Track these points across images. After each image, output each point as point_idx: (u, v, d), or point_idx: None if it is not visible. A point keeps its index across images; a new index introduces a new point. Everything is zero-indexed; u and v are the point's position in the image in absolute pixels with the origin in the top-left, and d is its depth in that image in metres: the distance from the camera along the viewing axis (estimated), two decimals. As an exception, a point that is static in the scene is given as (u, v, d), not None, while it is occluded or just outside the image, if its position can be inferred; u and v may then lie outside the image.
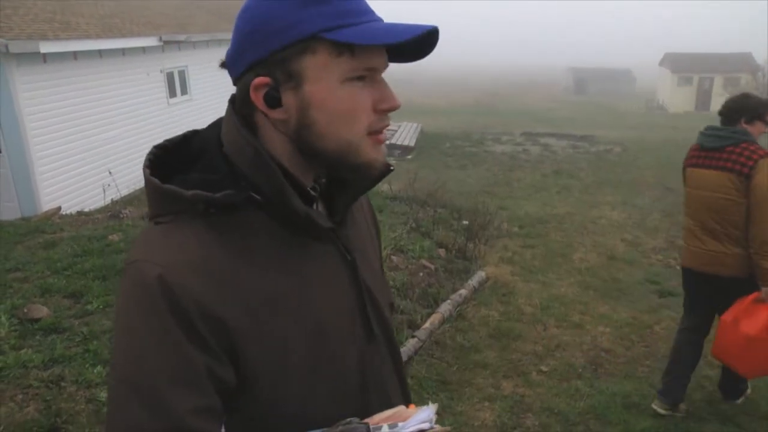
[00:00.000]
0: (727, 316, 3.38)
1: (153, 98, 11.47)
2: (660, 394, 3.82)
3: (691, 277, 3.69)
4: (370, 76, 0.90)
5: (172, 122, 11.87)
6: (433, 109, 33.39)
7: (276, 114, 0.90)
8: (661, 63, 40.40)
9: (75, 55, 9.19)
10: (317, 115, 0.88)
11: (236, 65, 0.93)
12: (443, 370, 4.31)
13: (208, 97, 13.48)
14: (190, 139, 0.98)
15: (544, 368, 4.44)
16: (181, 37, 11.92)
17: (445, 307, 5.21)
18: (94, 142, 9.70)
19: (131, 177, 10.26)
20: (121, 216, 7.51)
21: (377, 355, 1.06)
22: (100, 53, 9.82)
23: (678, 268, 6.72)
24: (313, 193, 0.97)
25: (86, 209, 8.88)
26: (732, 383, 3.91)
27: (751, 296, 3.28)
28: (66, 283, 4.83)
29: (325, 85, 0.87)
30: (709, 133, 3.47)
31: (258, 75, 0.88)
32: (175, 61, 12.20)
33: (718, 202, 3.34)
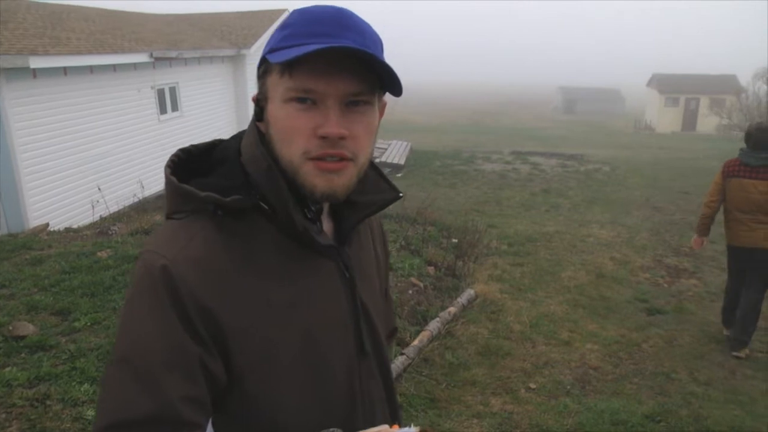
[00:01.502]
0: None
1: (143, 114, 11.47)
2: (731, 347, 5.11)
3: (742, 253, 5.03)
4: (319, 100, 0.90)
5: (163, 139, 11.87)
6: (423, 128, 33.57)
7: (262, 127, 0.98)
8: (649, 83, 40.88)
9: (65, 70, 9.20)
10: (272, 132, 0.95)
11: None
12: (432, 387, 4.30)
13: (198, 113, 13.52)
14: (214, 147, 1.04)
15: (532, 385, 4.44)
16: (173, 54, 11.97)
17: (434, 325, 5.21)
18: (83, 158, 9.68)
19: (121, 193, 10.23)
20: (110, 233, 7.47)
21: (367, 372, 1.09)
22: (91, 69, 9.83)
23: (665, 285, 6.86)
24: (308, 214, 1.00)
25: (74, 225, 8.82)
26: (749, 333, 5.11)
27: None
28: (53, 300, 4.79)
29: (275, 104, 0.93)
30: (754, 155, 4.75)
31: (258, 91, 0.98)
32: (166, 77, 12.23)
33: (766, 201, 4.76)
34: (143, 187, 10.80)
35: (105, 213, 9.57)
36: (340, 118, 0.90)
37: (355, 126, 0.92)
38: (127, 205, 10.28)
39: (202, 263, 0.89)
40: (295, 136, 0.91)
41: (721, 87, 35.37)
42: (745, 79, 31.40)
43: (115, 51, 10.43)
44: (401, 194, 1.10)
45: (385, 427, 0.97)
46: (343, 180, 0.93)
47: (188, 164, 1.01)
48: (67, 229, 8.28)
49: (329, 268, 1.02)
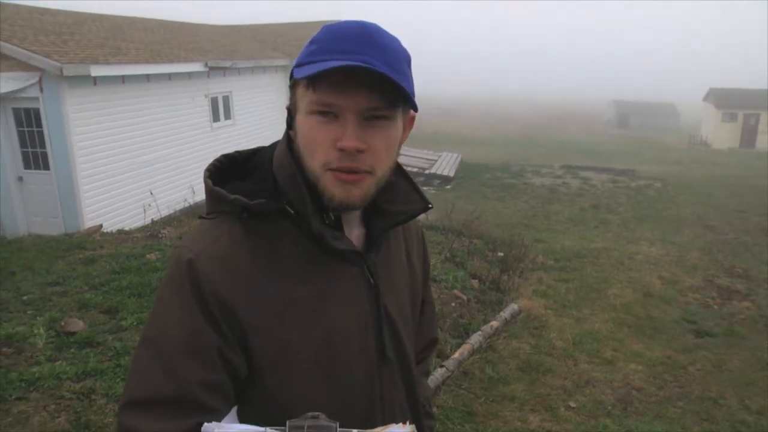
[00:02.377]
0: None
1: (197, 122, 11.78)
2: None
3: None
4: (340, 114, 0.93)
5: (215, 146, 12.15)
6: (474, 140, 33.43)
7: (292, 134, 1.02)
8: (705, 98, 39.71)
9: (123, 78, 9.53)
10: (298, 141, 0.99)
11: None
12: (470, 401, 4.27)
13: (250, 121, 13.79)
14: (256, 153, 1.11)
15: (572, 404, 4.35)
16: (227, 63, 12.28)
17: (475, 338, 5.17)
18: (137, 163, 9.99)
19: (172, 198, 10.50)
20: (160, 236, 7.68)
21: (389, 379, 1.09)
22: (148, 77, 10.16)
23: (716, 307, 6.66)
24: (326, 220, 1.02)
25: (127, 228, 9.11)
26: None
27: None
28: (103, 298, 4.97)
29: (301, 115, 0.98)
30: None
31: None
32: (219, 86, 12.53)
33: None
34: (194, 192, 11.07)
35: (156, 216, 9.84)
36: (358, 132, 0.93)
37: (374, 140, 0.95)
38: (177, 209, 10.54)
39: (225, 261, 0.95)
40: (316, 147, 0.95)
41: (783, 102, 34.10)
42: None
43: (170, 60, 10.77)
44: (431, 205, 1.13)
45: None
46: (360, 191, 0.97)
47: (232, 169, 1.07)
48: (120, 231, 8.56)
49: (353, 273, 1.04)
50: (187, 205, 10.78)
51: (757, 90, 37.60)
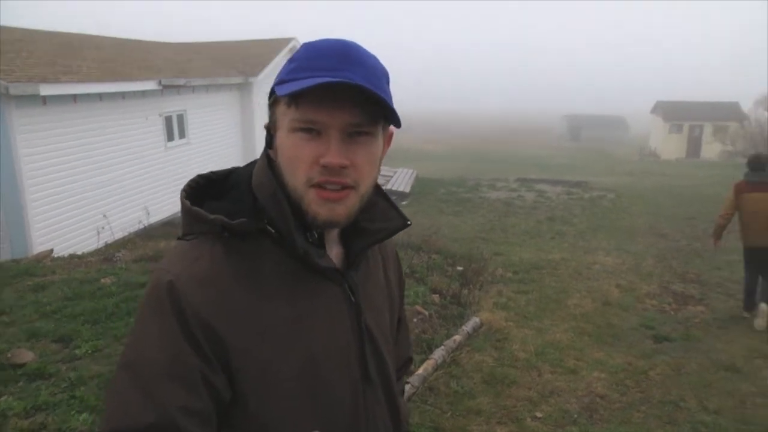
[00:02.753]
0: None
1: (151, 142, 11.56)
2: (746, 309, 6.60)
3: (756, 252, 6.35)
4: (323, 131, 0.94)
5: (169, 166, 11.96)
6: (428, 156, 33.70)
7: (272, 154, 1.02)
8: (653, 111, 40.98)
9: (75, 98, 9.30)
10: (279, 159, 0.99)
11: None
12: (437, 416, 4.23)
13: (205, 140, 13.62)
14: (232, 173, 1.10)
15: (538, 414, 4.36)
16: (180, 81, 12.11)
17: (438, 353, 5.15)
18: (90, 185, 9.73)
19: (126, 220, 10.27)
20: (115, 259, 7.47)
21: (373, 398, 1.09)
22: (100, 96, 9.94)
23: (672, 312, 6.82)
24: (309, 238, 1.02)
25: (79, 252, 8.84)
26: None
27: None
28: (55, 326, 4.76)
29: (282, 133, 0.98)
30: (755, 174, 6.30)
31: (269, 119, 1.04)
32: (173, 104, 12.35)
33: None
34: (149, 213, 10.85)
35: (110, 239, 9.59)
36: (341, 148, 0.94)
37: (357, 156, 0.96)
38: (132, 231, 10.31)
39: (206, 282, 0.93)
40: (299, 164, 0.96)
41: (724, 114, 35.39)
42: (747, 105, 31.56)
43: (124, 78, 10.56)
44: (409, 222, 1.14)
45: None
46: (344, 208, 0.98)
47: (207, 189, 1.06)
48: (72, 256, 8.29)
49: (334, 291, 1.05)
50: (141, 227, 10.55)
51: (700, 102, 39.04)
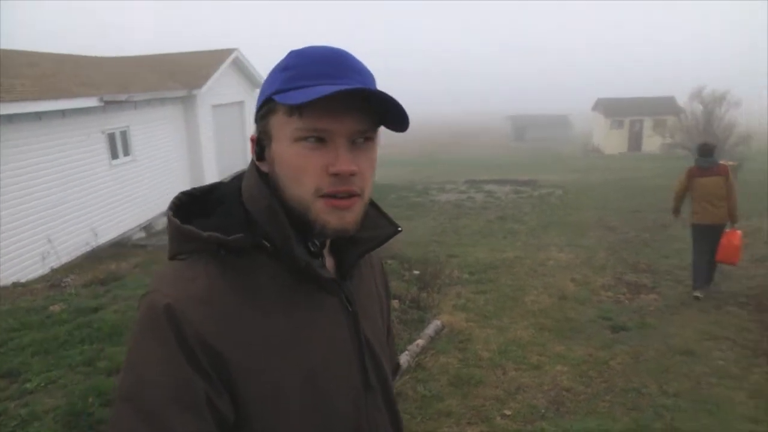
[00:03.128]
0: (724, 240, 6.85)
1: (94, 160, 11.18)
2: (695, 288, 7.12)
3: (703, 228, 7.01)
4: (328, 139, 0.93)
5: (116, 184, 11.61)
6: (379, 161, 33.68)
7: (263, 166, 1.00)
8: (594, 108, 42.12)
9: (11, 118, 8.93)
10: (279, 171, 0.97)
11: None
12: (407, 421, 4.22)
13: (152, 156, 13.28)
14: (215, 189, 1.07)
15: (507, 412, 4.40)
16: (122, 97, 11.75)
17: (403, 359, 5.14)
18: (31, 209, 9.34)
19: (72, 243, 9.92)
20: (63, 285, 7.21)
21: (374, 407, 1.09)
22: (39, 115, 9.55)
23: (627, 302, 6.99)
24: (311, 248, 1.01)
25: (23, 280, 8.50)
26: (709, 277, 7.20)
27: (728, 231, 6.88)
28: (1, 361, 4.53)
29: (282, 144, 0.95)
30: (703, 160, 6.99)
31: (255, 131, 1.01)
32: (116, 121, 11.97)
33: (718, 190, 6.84)
34: (97, 235, 10.51)
35: (56, 264, 9.25)
36: (349, 156, 0.94)
37: (362, 162, 0.96)
38: (80, 254, 9.98)
39: (205, 302, 0.90)
40: (305, 174, 0.94)
41: (662, 108, 36.66)
42: (682, 99, 32.70)
43: (63, 96, 10.19)
44: (400, 228, 1.14)
45: None
46: (353, 216, 0.97)
47: (191, 207, 1.03)
48: (15, 284, 7.96)
49: (332, 302, 1.04)
50: (89, 248, 10.22)
51: (639, 98, 40.35)
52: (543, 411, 4.42)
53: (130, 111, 12.48)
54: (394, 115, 0.96)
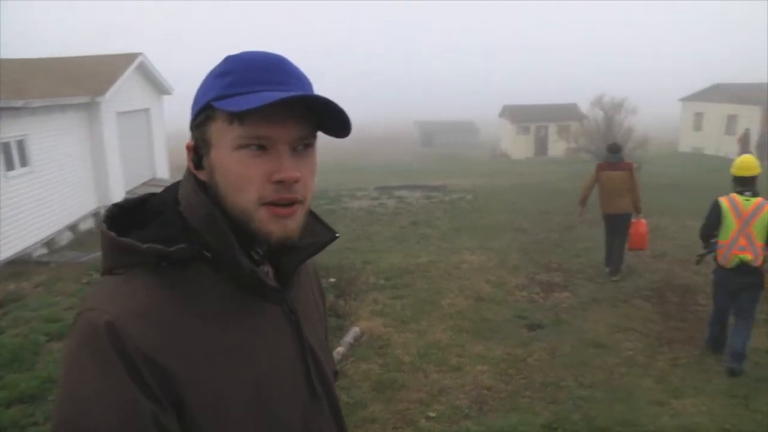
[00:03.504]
0: (632, 230, 7.73)
1: (-14, 173, 10.42)
2: (610, 274, 8.18)
3: (611, 217, 8.03)
4: (270, 146, 0.92)
5: (12, 198, 10.83)
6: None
7: (200, 175, 0.97)
8: (501, 114, 43.55)
9: None
10: (220, 179, 0.94)
11: None
12: (331, 430, 4.16)
13: (52, 167, 12.46)
14: (147, 200, 1.03)
15: (431, 414, 4.44)
16: (18, 103, 10.99)
17: (326, 366, 5.08)
18: None
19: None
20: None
21: (321, 415, 1.08)
22: None
23: (541, 301, 7.23)
24: (255, 256, 0.99)
25: None
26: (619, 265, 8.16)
27: (634, 222, 7.75)
28: None
29: (222, 152, 0.93)
30: (612, 156, 8.07)
31: (191, 139, 0.98)
32: (12, 129, 11.13)
33: (623, 184, 7.79)
34: (-9, 252, 9.80)
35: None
36: (293, 162, 0.92)
37: (304, 169, 0.95)
38: (-30, 274, 9.25)
39: (147, 317, 0.87)
40: (248, 182, 0.92)
41: (565, 115, 38.53)
42: (584, 106, 34.49)
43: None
44: (337, 234, 1.14)
45: None
46: (296, 223, 0.96)
47: (122, 219, 0.99)
48: None
49: (274, 311, 1.02)
50: (-18, 267, 9.50)
51: (543, 105, 42.20)
52: (466, 411, 4.48)
53: (28, 118, 11.68)
54: (336, 121, 0.95)
